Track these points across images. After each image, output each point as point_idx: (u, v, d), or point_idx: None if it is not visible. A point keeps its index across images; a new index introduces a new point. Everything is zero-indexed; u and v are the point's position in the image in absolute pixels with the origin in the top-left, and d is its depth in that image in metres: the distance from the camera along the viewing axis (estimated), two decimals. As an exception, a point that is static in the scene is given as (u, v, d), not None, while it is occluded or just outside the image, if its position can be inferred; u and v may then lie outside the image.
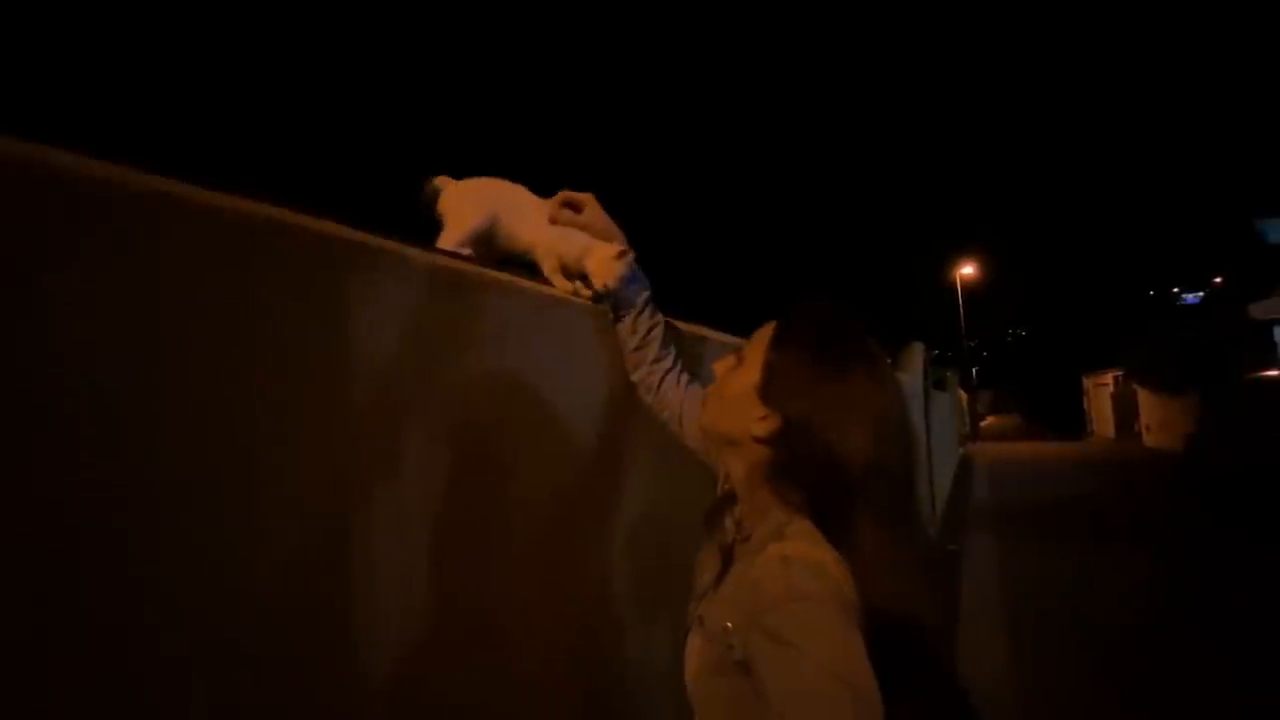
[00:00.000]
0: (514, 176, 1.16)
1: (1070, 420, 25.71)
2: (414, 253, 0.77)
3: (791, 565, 0.63)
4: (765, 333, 0.79)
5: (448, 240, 1.06)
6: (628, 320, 1.05)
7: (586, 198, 1.08)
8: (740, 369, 0.79)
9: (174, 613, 0.49)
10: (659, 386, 1.05)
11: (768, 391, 0.74)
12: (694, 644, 0.73)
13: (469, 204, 1.09)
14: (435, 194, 1.12)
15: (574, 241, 1.06)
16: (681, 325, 1.36)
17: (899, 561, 0.68)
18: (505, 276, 0.94)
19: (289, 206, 0.64)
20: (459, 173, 1.14)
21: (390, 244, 0.74)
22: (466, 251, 1.06)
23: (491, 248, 1.10)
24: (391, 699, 0.68)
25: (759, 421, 0.73)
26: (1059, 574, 5.19)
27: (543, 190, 1.13)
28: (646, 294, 1.06)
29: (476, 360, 0.85)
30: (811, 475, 0.69)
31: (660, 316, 1.07)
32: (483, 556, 0.83)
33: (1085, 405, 25.41)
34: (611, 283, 1.01)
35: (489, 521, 0.85)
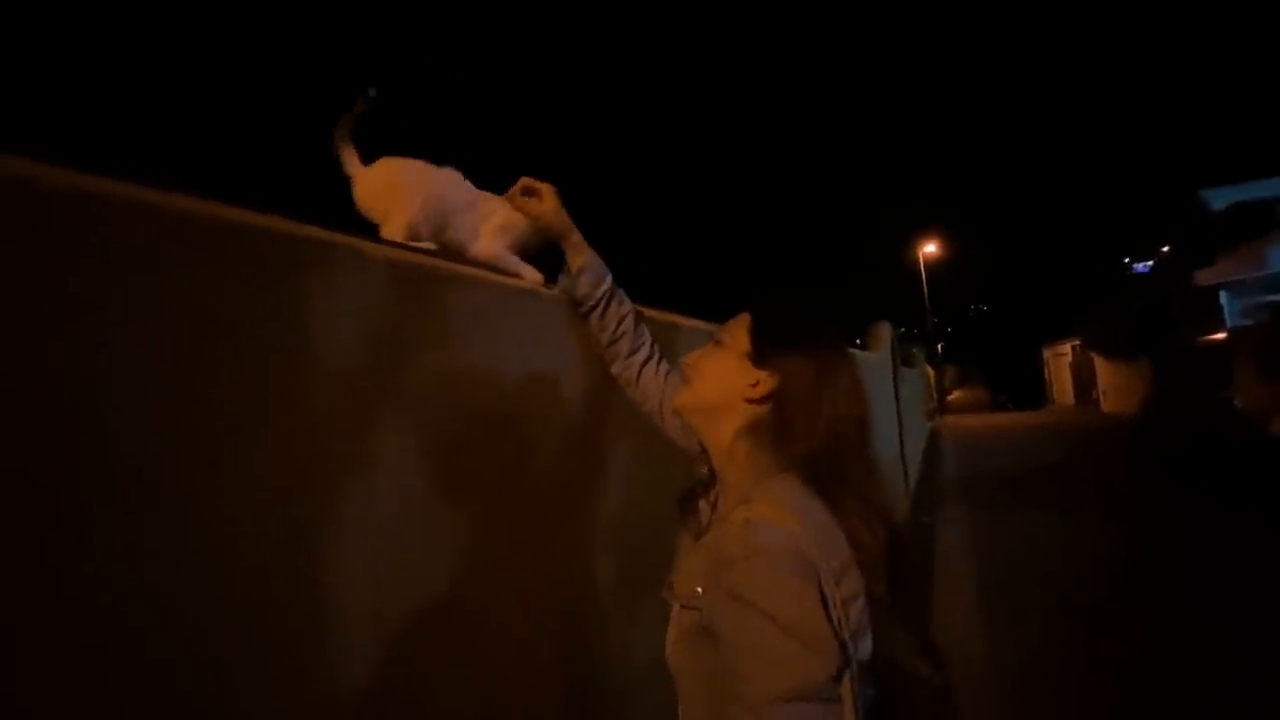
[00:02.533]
0: (468, 166, 1.13)
1: (1032, 391, 26.51)
2: (371, 247, 0.75)
3: (750, 525, 0.67)
4: (741, 318, 0.83)
5: (393, 230, 1.03)
6: (595, 314, 1.05)
7: (546, 188, 1.07)
8: (721, 348, 0.82)
9: (131, 613, 0.48)
10: (638, 379, 1.05)
11: (761, 355, 0.78)
12: (672, 615, 0.76)
13: (401, 191, 1.06)
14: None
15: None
16: (654, 314, 1.35)
17: (874, 505, 0.73)
18: (469, 270, 0.92)
19: (237, 203, 0.62)
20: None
21: (345, 239, 0.72)
22: (424, 244, 1.04)
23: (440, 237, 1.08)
24: (365, 698, 0.67)
25: (753, 386, 0.77)
26: (1027, 541, 5.36)
27: (498, 181, 1.11)
28: (607, 283, 1.05)
29: (441, 355, 0.83)
30: (797, 429, 0.74)
31: (629, 306, 1.06)
32: (455, 554, 0.82)
33: (1045, 375, 26.23)
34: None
35: (461, 518, 0.84)
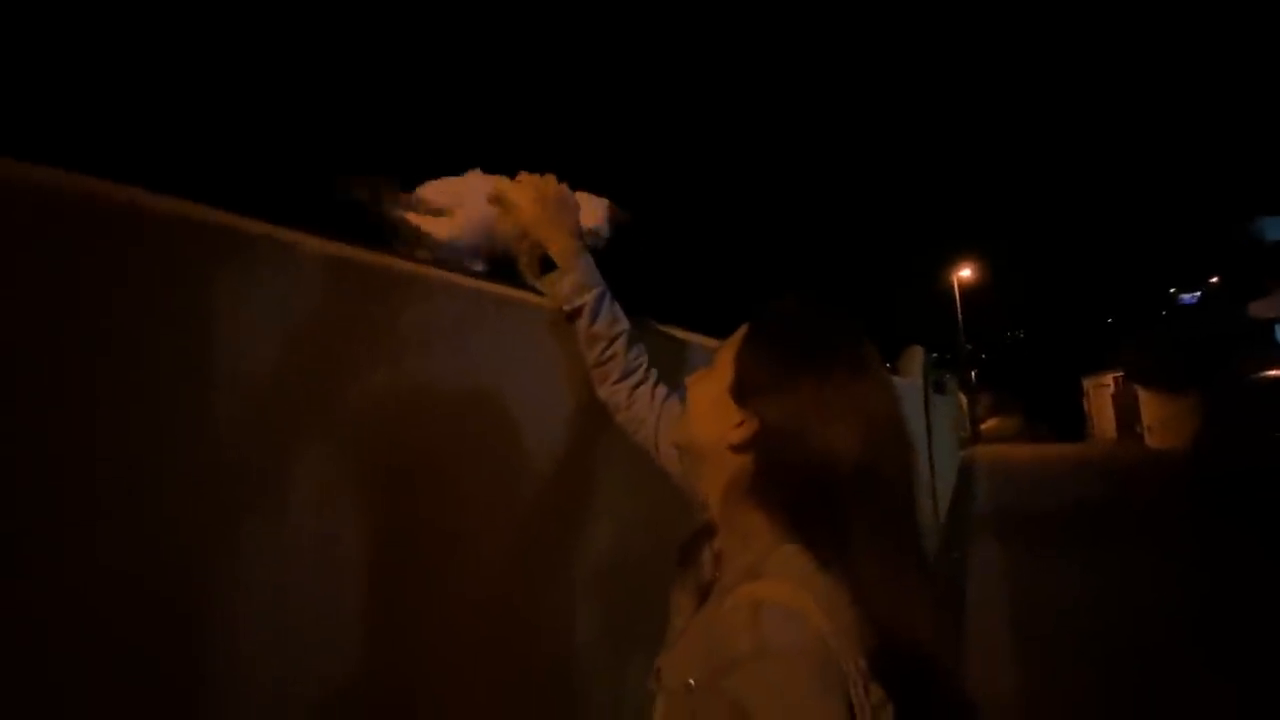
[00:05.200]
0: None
1: (1070, 422, 25.58)
2: (309, 242, 0.64)
3: (762, 613, 0.53)
4: (737, 335, 0.69)
5: (443, 230, 0.94)
6: (581, 323, 0.92)
7: (525, 194, 0.96)
8: (710, 375, 0.69)
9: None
10: (628, 404, 0.92)
11: (742, 393, 0.64)
12: (658, 705, 0.62)
13: (452, 195, 0.98)
14: (393, 200, 0.97)
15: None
16: (663, 329, 1.23)
17: (899, 578, 0.58)
18: (434, 271, 0.81)
19: (142, 186, 0.51)
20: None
21: (273, 230, 0.61)
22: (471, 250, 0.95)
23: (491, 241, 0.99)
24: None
25: (734, 429, 0.63)
26: (1065, 581, 5.05)
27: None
28: (594, 293, 0.92)
29: (392, 369, 0.71)
30: (795, 485, 0.59)
31: (623, 325, 0.94)
32: (403, 595, 0.69)
33: (1085, 407, 25.31)
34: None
35: (411, 554, 0.71)
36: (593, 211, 1.08)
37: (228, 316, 0.54)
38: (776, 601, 0.53)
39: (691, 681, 0.55)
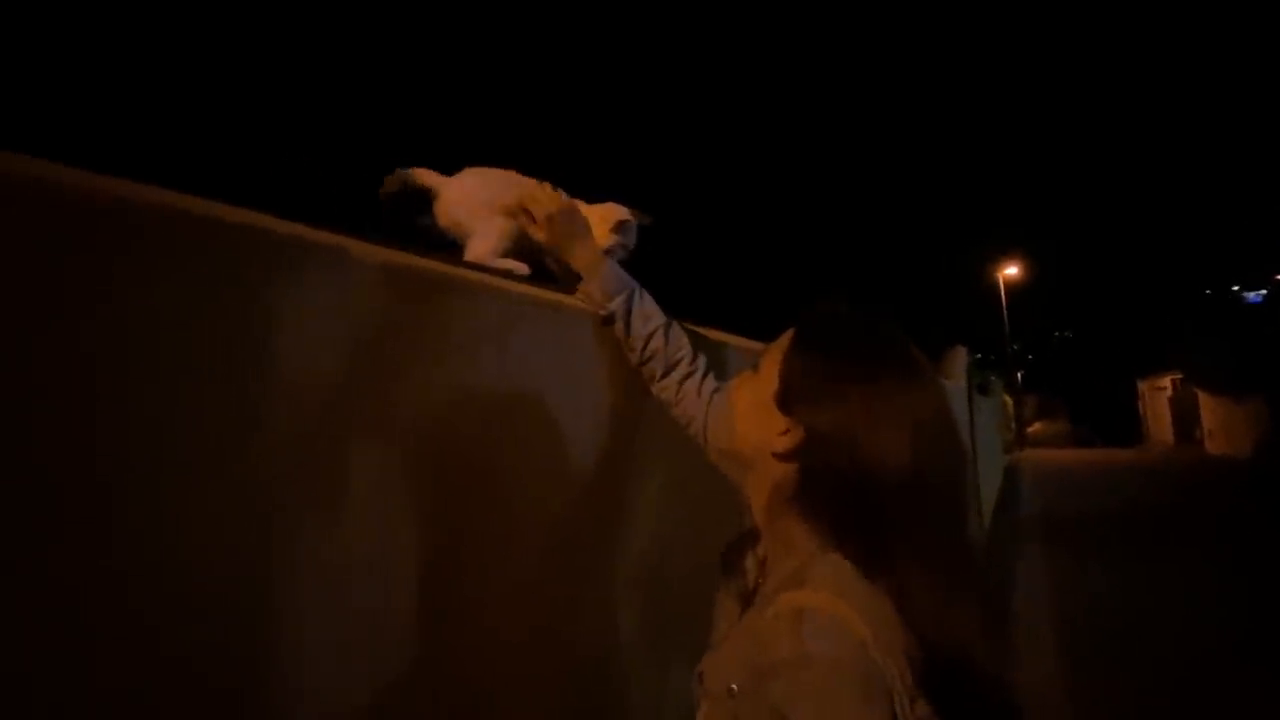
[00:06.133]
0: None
1: (1122, 426, 24.54)
2: (360, 248, 0.65)
3: (805, 621, 0.52)
4: (783, 339, 0.68)
5: (479, 251, 0.96)
6: (619, 330, 0.93)
7: (539, 207, 0.98)
8: (755, 380, 0.68)
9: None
10: (677, 399, 0.93)
11: (787, 400, 0.63)
12: (701, 709, 0.62)
13: (483, 203, 0.99)
14: (413, 188, 1.00)
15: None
16: (701, 331, 1.22)
17: (948, 588, 0.56)
18: (478, 276, 0.82)
19: (203, 195, 0.53)
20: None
21: (328, 237, 0.62)
22: (510, 264, 0.97)
23: (525, 250, 1.00)
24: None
25: (779, 436, 0.62)
26: (1117, 591, 4.85)
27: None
28: (623, 296, 0.93)
29: (439, 372, 0.72)
30: (843, 495, 0.58)
31: (659, 321, 0.94)
32: (442, 606, 0.70)
33: (1141, 410, 24.27)
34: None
35: (454, 560, 0.72)
36: (603, 224, 1.08)
37: (275, 321, 0.56)
38: (819, 609, 0.53)
39: (734, 687, 0.54)
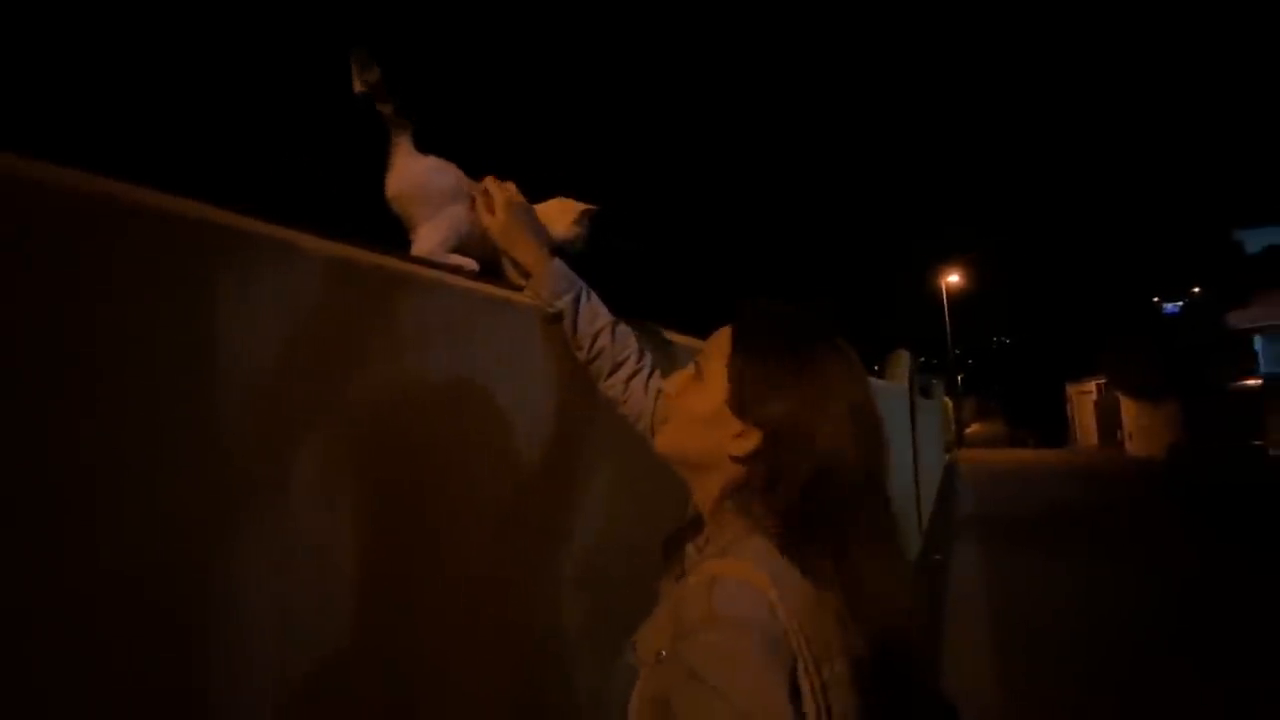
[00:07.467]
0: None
1: (1053, 427, 25.86)
2: (306, 241, 0.65)
3: (717, 586, 0.56)
4: (722, 341, 0.69)
5: (428, 245, 0.95)
6: (566, 329, 0.94)
7: (500, 198, 0.97)
8: (701, 386, 0.69)
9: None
10: (624, 398, 0.95)
11: (742, 402, 0.64)
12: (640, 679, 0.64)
13: (437, 189, 0.97)
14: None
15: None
16: (649, 325, 1.25)
17: (889, 573, 0.60)
18: (429, 272, 0.82)
19: (142, 184, 0.53)
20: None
21: (272, 229, 0.62)
22: (460, 260, 0.95)
23: (478, 246, 0.99)
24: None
25: (735, 439, 0.64)
26: (1045, 584, 5.13)
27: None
28: (570, 295, 0.94)
29: (388, 368, 0.72)
30: (798, 487, 0.60)
31: (605, 320, 0.95)
32: (396, 590, 0.71)
33: (1069, 413, 25.61)
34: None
35: (405, 552, 0.73)
36: (564, 216, 1.09)
37: (223, 315, 0.55)
38: (732, 575, 0.56)
39: (663, 652, 0.57)
